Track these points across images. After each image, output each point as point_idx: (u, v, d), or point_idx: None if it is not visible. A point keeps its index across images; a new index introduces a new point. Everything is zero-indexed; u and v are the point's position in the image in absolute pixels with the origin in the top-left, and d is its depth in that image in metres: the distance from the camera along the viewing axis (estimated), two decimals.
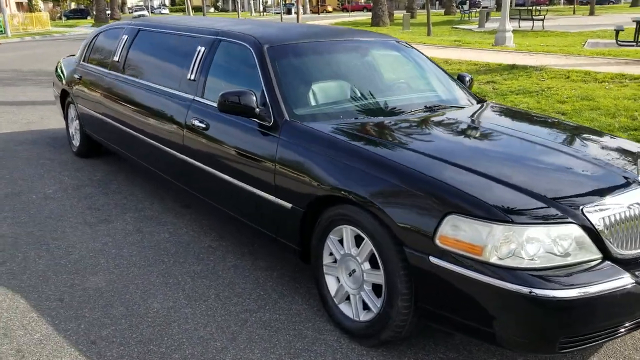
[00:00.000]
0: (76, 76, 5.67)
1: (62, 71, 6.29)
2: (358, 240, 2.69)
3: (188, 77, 3.91)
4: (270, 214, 3.13)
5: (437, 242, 2.27)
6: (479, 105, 3.67)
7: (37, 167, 5.72)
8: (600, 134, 3.26)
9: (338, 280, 2.85)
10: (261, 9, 75.88)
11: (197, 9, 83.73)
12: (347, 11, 68.34)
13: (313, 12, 67.62)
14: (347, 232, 2.70)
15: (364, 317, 2.70)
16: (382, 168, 2.52)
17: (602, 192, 2.34)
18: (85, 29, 39.49)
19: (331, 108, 3.29)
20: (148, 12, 60.22)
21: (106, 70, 5.09)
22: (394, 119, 3.19)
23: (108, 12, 44.90)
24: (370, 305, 2.65)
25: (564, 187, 2.36)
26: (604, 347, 2.70)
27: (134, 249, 3.79)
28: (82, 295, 3.20)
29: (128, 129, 4.60)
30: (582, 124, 5.07)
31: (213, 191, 3.62)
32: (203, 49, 3.89)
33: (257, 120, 3.21)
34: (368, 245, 2.59)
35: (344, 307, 2.82)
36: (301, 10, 31.01)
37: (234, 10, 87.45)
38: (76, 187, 5.08)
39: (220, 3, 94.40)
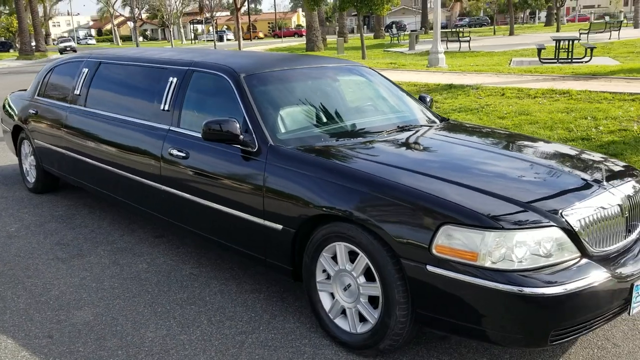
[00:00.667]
0: (31, 111, 5.57)
1: (11, 107, 6.16)
2: (352, 256, 2.83)
3: (161, 107, 3.96)
4: (259, 237, 3.23)
5: (434, 251, 2.45)
6: (445, 123, 3.92)
7: None
8: (564, 146, 3.56)
9: (332, 296, 2.97)
10: (192, 36, 75.55)
11: (125, 39, 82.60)
12: (279, 37, 69.09)
13: (245, 39, 67.93)
14: (341, 248, 2.84)
15: (361, 329, 2.83)
16: (375, 186, 2.69)
17: (576, 197, 2.59)
18: (9, 62, 38.07)
19: (311, 131, 3.44)
20: (74, 42, 58.69)
21: (66, 104, 5.05)
22: (373, 139, 3.37)
23: (33, 44, 43.46)
24: (367, 316, 2.78)
25: (542, 194, 2.60)
26: (579, 339, 2.94)
27: (114, 282, 3.77)
28: (72, 331, 3.17)
29: (95, 162, 4.57)
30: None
31: (195, 218, 3.67)
32: (175, 79, 3.96)
33: (241, 147, 3.31)
34: (363, 260, 2.73)
35: (339, 322, 2.94)
36: (242, 37, 31.17)
37: (164, 38, 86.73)
38: (39, 223, 4.97)
39: (149, 32, 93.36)
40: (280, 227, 3.08)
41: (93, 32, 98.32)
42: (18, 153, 6.14)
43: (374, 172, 2.79)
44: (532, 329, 2.34)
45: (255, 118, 3.36)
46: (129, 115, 4.27)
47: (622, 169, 3.10)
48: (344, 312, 2.93)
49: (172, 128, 3.84)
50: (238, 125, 3.26)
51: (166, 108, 3.93)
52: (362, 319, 2.84)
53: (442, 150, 3.27)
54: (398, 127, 3.65)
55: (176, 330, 3.15)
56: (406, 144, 3.33)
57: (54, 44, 69.39)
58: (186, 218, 3.75)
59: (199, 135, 3.58)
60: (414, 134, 3.55)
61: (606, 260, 2.51)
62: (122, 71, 4.62)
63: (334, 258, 2.92)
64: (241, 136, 3.28)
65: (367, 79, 4.25)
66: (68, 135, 4.91)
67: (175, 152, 3.70)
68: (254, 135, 3.30)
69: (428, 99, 4.40)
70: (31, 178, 5.93)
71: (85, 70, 4.97)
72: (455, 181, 2.67)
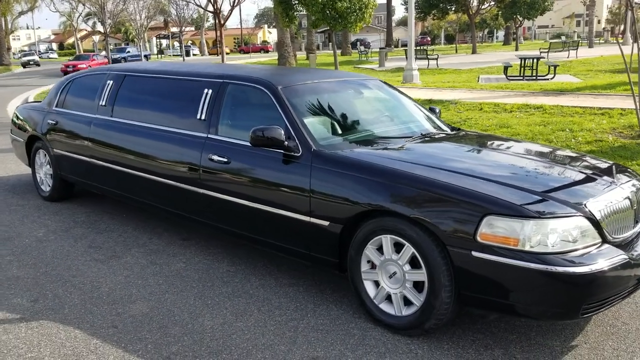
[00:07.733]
0: (50, 121, 5.76)
1: (24, 118, 6.33)
2: (396, 247, 3.18)
3: (197, 117, 4.25)
4: (304, 233, 3.55)
5: (478, 238, 2.83)
6: (460, 132, 4.35)
7: (11, 213, 5.70)
8: (570, 150, 4.02)
9: (377, 283, 3.32)
10: (156, 51, 75.12)
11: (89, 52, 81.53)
12: (245, 52, 69.43)
13: (211, 54, 68.07)
14: (387, 240, 3.19)
15: (407, 311, 3.18)
16: (421, 183, 3.06)
17: (595, 192, 3.03)
18: None
19: (347, 137, 3.81)
20: (37, 56, 57.70)
21: (90, 115, 5.28)
22: (404, 144, 3.75)
23: None
24: (413, 300, 3.14)
25: (568, 189, 3.03)
26: (592, 319, 3.36)
27: (158, 279, 4.03)
28: (133, 321, 3.42)
29: (123, 168, 4.81)
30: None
31: (234, 218, 3.96)
32: (210, 91, 4.27)
33: (285, 152, 3.64)
34: (409, 250, 3.09)
35: (384, 306, 3.29)
36: (226, 51, 31.56)
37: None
38: (64, 229, 5.17)
39: (112, 46, 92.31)
40: (326, 223, 3.41)
41: (54, 46, 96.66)
42: (32, 163, 6.29)
43: (417, 172, 3.17)
44: (566, 304, 2.74)
45: (297, 126, 3.70)
46: (161, 124, 4.54)
47: (622, 169, 3.57)
48: (388, 297, 3.28)
49: (210, 136, 4.13)
50: (282, 132, 3.59)
51: (202, 117, 4.23)
52: (407, 302, 3.19)
53: (467, 153, 3.68)
54: (422, 134, 4.05)
55: (231, 319, 3.44)
56: (434, 149, 3.73)
57: (14, 57, 67.97)
58: (224, 218, 4.04)
59: (240, 142, 3.91)
60: (438, 140, 3.96)
61: (622, 246, 2.94)
62: (150, 83, 4.90)
63: (379, 249, 3.27)
64: (286, 142, 3.61)
65: (385, 91, 4.65)
66: (93, 144, 5.13)
67: (216, 157, 4.00)
68: (297, 141, 3.63)
69: (437, 111, 4.82)
70: (46, 187, 6.09)
71: (110, 82, 5.22)
72: (491, 179, 3.07)
